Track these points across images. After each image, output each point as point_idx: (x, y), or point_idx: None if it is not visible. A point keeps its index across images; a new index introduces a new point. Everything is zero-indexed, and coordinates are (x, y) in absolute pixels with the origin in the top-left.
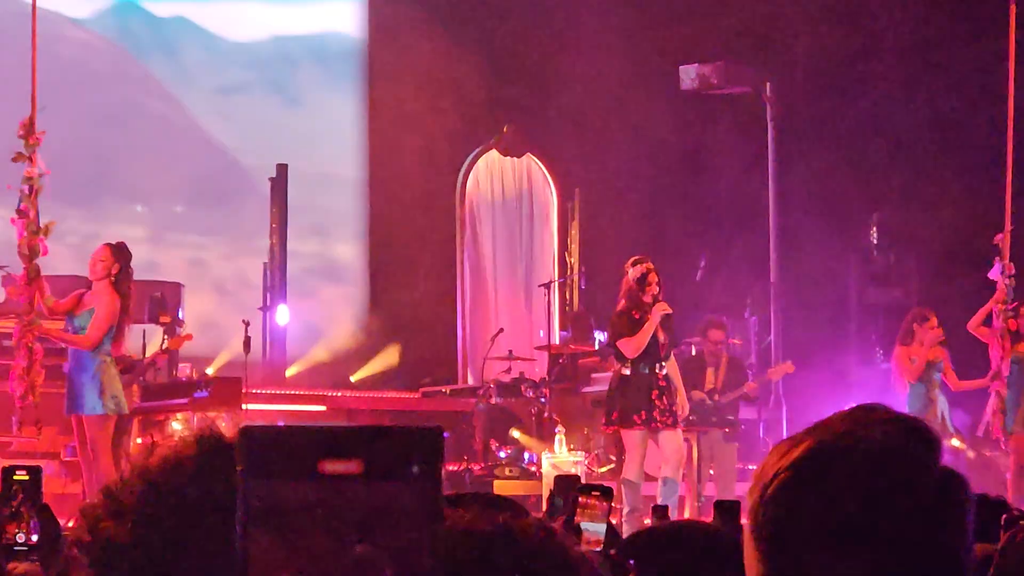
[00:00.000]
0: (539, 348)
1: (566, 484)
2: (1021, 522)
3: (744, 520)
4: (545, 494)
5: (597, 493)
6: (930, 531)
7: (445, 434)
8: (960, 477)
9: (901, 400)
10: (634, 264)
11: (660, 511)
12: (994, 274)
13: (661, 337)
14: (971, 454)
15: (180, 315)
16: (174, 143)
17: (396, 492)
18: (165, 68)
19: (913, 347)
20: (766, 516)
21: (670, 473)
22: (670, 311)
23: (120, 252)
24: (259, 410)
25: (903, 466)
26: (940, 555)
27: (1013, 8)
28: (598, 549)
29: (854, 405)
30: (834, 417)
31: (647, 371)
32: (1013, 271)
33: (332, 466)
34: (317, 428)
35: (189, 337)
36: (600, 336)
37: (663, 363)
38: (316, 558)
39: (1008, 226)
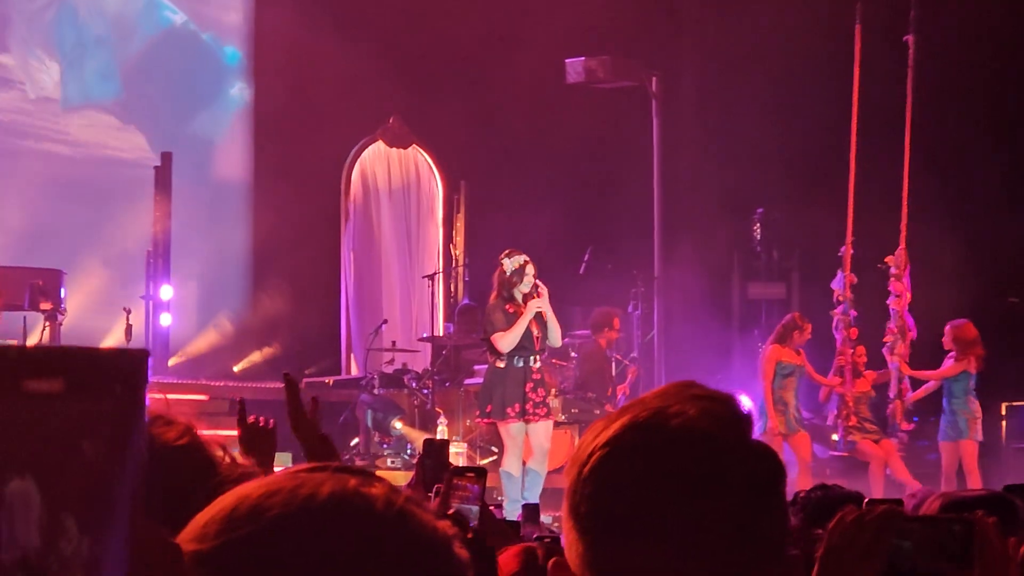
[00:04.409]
0: (422, 340)
1: (435, 448)
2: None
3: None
4: None
5: (471, 475)
6: (747, 505)
7: (149, 357)
8: (771, 451)
9: (759, 393)
10: (508, 256)
11: (529, 509)
12: (836, 284)
13: (535, 330)
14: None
15: (62, 303)
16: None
17: (100, 409)
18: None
19: (786, 348)
20: (583, 495)
21: (535, 465)
22: (543, 309)
23: None
24: None
25: (719, 440)
26: (759, 529)
27: (858, 28)
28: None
29: (670, 383)
30: (648, 395)
31: (521, 364)
32: (855, 281)
33: (35, 385)
34: (21, 349)
35: None
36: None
37: (537, 356)
38: (38, 458)
39: (849, 238)
